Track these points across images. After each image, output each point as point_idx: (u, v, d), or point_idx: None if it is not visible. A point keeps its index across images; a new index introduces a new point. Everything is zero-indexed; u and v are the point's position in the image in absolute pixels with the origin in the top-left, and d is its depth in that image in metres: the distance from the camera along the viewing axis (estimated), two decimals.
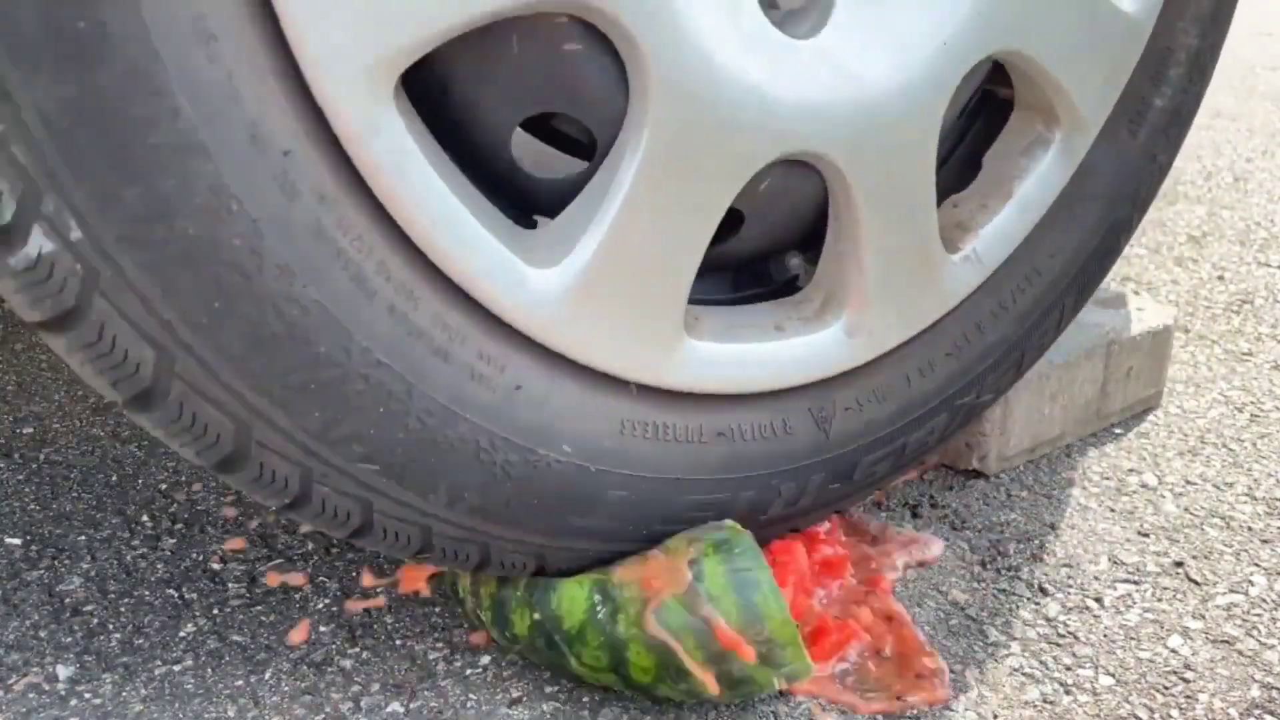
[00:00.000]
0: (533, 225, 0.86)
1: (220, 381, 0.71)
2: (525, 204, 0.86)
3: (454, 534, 0.85)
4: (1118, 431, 1.33)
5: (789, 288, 1.00)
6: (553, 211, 0.84)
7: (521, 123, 0.83)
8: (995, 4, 0.89)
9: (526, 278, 0.79)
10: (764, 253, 0.99)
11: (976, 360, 1.05)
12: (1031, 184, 1.02)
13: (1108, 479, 1.24)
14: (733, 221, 0.92)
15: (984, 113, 1.07)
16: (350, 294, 0.72)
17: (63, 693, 0.92)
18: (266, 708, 0.91)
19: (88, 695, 0.92)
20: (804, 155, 0.86)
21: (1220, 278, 1.76)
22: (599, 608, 0.86)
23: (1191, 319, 1.62)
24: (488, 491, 0.83)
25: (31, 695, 0.92)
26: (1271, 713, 0.91)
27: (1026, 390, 1.22)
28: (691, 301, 0.94)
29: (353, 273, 0.72)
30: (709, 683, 0.84)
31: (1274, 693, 0.93)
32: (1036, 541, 1.13)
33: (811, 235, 0.97)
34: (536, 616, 0.88)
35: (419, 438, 0.78)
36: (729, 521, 0.92)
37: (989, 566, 1.09)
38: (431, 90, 0.79)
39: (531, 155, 0.85)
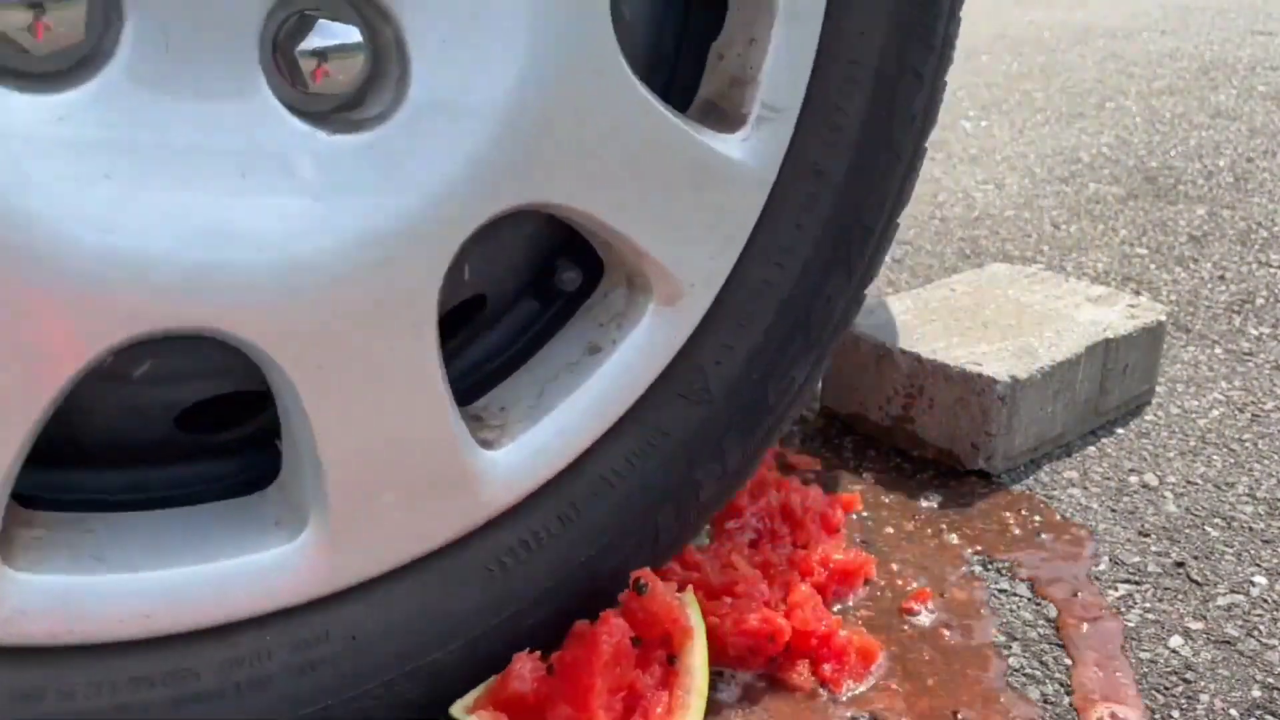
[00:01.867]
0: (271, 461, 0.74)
1: None
2: (251, 449, 0.76)
3: None
4: (1119, 431, 1.32)
5: (585, 290, 0.85)
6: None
7: None
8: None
9: (283, 563, 0.69)
10: (531, 284, 0.85)
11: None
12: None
13: (1109, 479, 1.23)
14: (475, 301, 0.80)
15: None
16: None
17: None
18: None
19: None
20: (481, 226, 0.70)
21: (1221, 278, 1.76)
22: None
23: (1192, 319, 1.62)
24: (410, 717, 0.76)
25: None
26: (1273, 713, 0.91)
27: (1031, 389, 1.21)
28: (495, 371, 0.82)
29: (109, 715, 0.64)
30: None
31: (1275, 693, 0.93)
32: (1037, 541, 1.13)
33: (569, 244, 0.83)
34: None
35: None
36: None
37: (989, 566, 1.09)
38: (66, 449, 0.68)
39: None
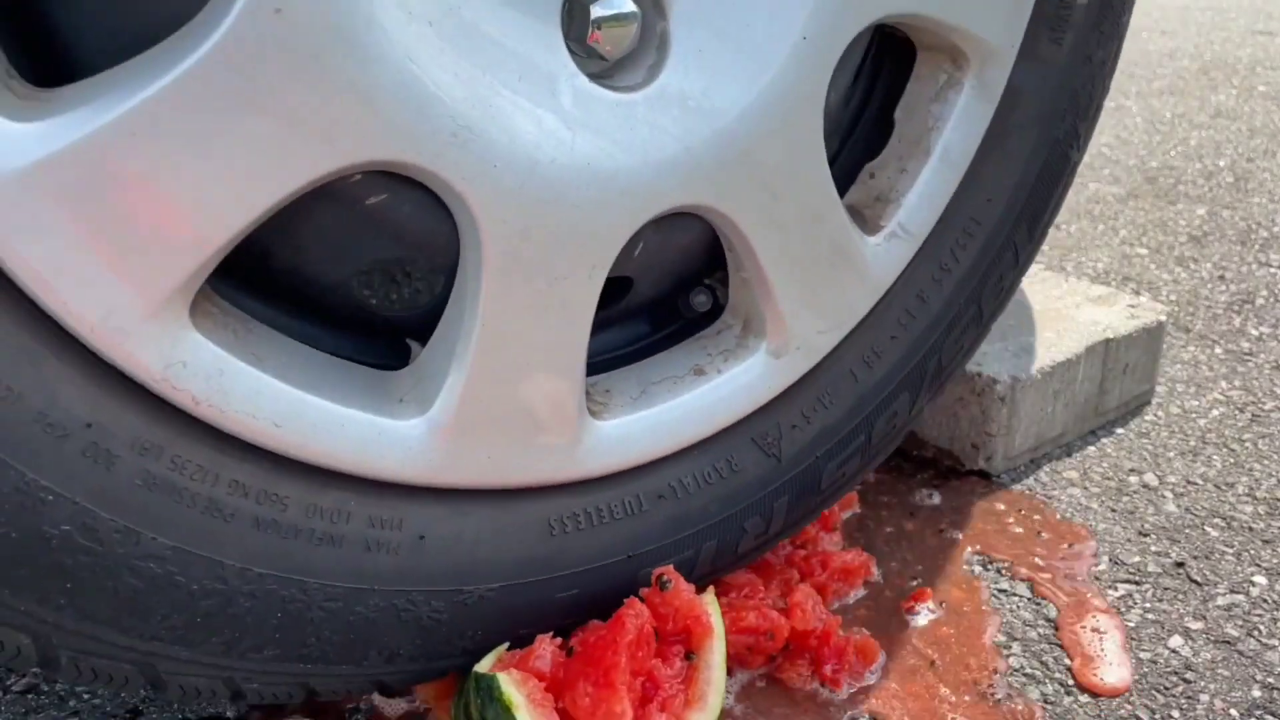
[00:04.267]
0: (408, 353, 0.82)
1: (104, 641, 0.70)
2: (393, 337, 0.82)
3: (405, 677, 0.84)
4: (1119, 431, 1.32)
5: (707, 318, 0.93)
6: (424, 335, 0.79)
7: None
8: None
9: (398, 434, 0.74)
10: (668, 296, 0.93)
11: (926, 331, 0.98)
12: (950, 132, 0.92)
13: (1109, 479, 1.23)
14: (621, 283, 0.87)
15: (886, 62, 0.96)
16: (207, 526, 0.70)
17: (62, 693, 0.92)
18: (266, 709, 0.91)
19: (86, 696, 0.92)
20: (672, 211, 0.79)
21: (1221, 277, 1.76)
22: None
23: (1192, 319, 1.62)
24: (423, 641, 0.81)
25: (31, 696, 0.92)
26: (1273, 713, 0.91)
27: (1032, 389, 1.21)
28: (601, 364, 0.88)
29: (203, 506, 0.69)
30: None
31: (1275, 693, 0.93)
32: (1038, 541, 1.13)
33: (716, 263, 0.90)
34: None
35: (330, 624, 0.77)
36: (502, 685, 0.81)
37: (990, 566, 1.09)
38: (251, 267, 0.74)
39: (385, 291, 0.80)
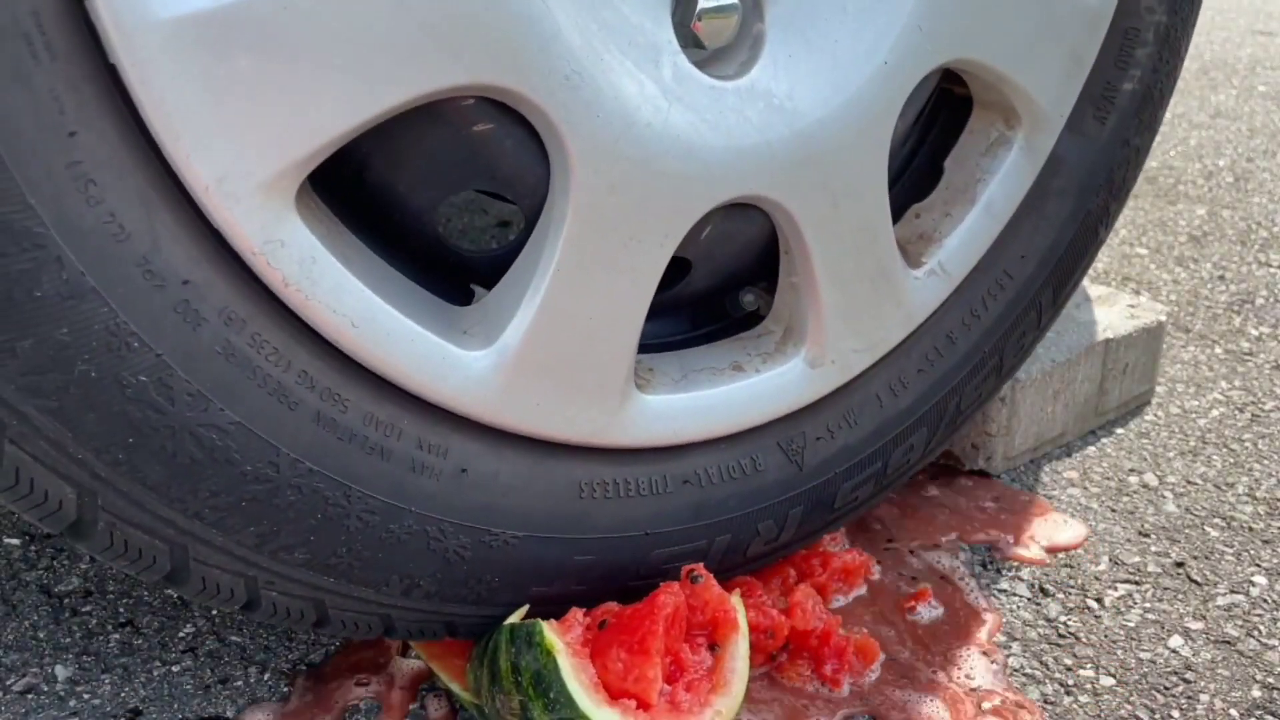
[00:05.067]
0: (469, 296, 0.84)
1: (147, 510, 0.70)
2: (460, 276, 0.84)
3: (416, 618, 0.85)
4: (1119, 431, 1.33)
5: (749, 320, 0.98)
6: (489, 281, 0.82)
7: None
8: (938, 16, 0.85)
9: (460, 361, 0.77)
10: (717, 291, 0.96)
11: (951, 372, 1.03)
12: (996, 186, 0.98)
13: (1109, 479, 1.23)
14: (679, 266, 0.89)
15: (942, 114, 1.03)
16: (271, 409, 0.71)
17: (61, 693, 0.92)
18: (265, 708, 0.91)
19: (86, 696, 0.92)
20: (743, 199, 0.83)
21: (1221, 277, 1.76)
22: None
23: (1192, 319, 1.62)
24: (443, 577, 0.82)
25: (30, 696, 0.92)
26: (1273, 713, 0.91)
27: (1031, 389, 1.22)
28: (646, 347, 0.91)
29: (272, 388, 0.71)
30: None
31: (1275, 693, 0.93)
32: (1038, 541, 1.13)
33: (766, 267, 0.94)
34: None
35: (362, 537, 0.78)
36: (547, 637, 0.83)
37: (989, 566, 1.09)
38: (347, 176, 0.77)
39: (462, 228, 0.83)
